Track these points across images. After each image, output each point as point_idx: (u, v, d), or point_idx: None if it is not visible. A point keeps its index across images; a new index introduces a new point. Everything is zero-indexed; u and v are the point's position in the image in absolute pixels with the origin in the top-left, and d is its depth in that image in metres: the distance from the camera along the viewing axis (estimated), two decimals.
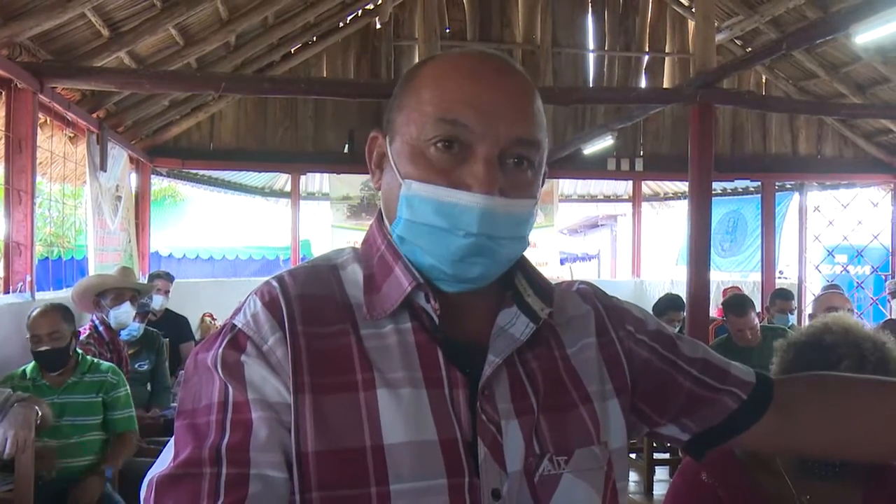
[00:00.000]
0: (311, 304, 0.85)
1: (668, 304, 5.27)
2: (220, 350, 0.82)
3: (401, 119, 0.87)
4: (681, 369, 0.97)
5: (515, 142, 0.83)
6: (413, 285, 0.85)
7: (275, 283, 0.87)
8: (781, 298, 5.59)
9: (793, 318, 5.63)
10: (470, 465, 0.81)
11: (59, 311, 3.48)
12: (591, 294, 1.00)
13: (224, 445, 0.77)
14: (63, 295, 4.56)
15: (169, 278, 6.16)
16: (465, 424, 0.82)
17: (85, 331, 4.11)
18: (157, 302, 5.53)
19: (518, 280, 0.91)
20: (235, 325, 0.84)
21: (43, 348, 3.35)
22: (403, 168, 0.85)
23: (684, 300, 5.52)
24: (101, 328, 4.20)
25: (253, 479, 0.76)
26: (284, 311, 0.84)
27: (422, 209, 0.83)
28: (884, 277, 9.16)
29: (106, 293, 4.26)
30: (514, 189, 0.84)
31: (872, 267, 9.67)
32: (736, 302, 4.68)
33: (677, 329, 5.49)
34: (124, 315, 4.27)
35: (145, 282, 5.68)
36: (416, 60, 7.93)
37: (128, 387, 3.58)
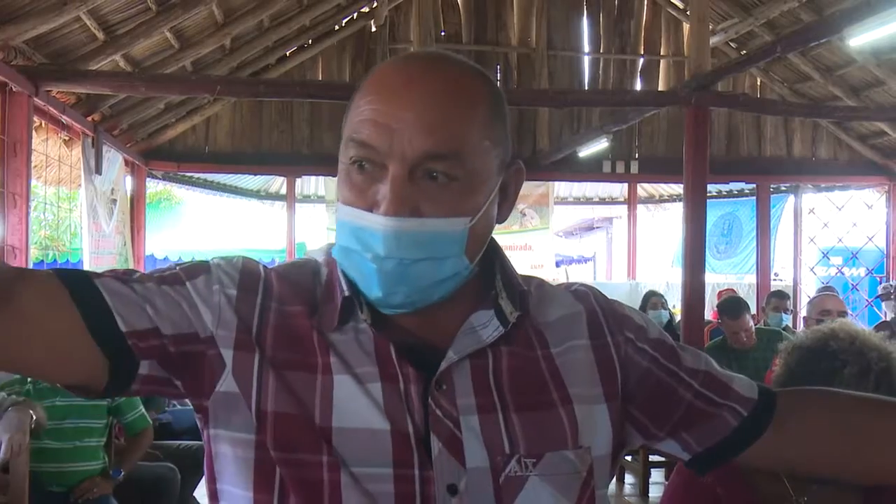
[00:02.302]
0: (287, 286, 0.87)
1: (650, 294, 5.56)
2: (186, 265, 0.87)
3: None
4: (682, 381, 0.94)
5: (423, 157, 0.79)
6: (342, 299, 0.85)
7: (262, 264, 0.90)
8: (777, 298, 5.64)
9: (787, 319, 5.65)
10: (422, 458, 0.80)
11: None
12: (587, 295, 0.97)
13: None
14: None
15: None
16: (417, 419, 0.81)
17: None
18: None
19: (497, 281, 0.90)
20: (208, 263, 0.87)
21: None
22: (339, 190, 0.84)
23: (679, 302, 5.54)
24: None
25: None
26: (262, 285, 0.86)
27: (343, 232, 0.83)
28: (878, 279, 9.18)
29: None
30: (432, 206, 0.79)
31: (867, 269, 9.69)
32: (730, 305, 4.69)
33: (665, 321, 5.58)
34: None
35: None
36: None
37: None
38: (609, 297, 1.00)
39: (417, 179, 0.79)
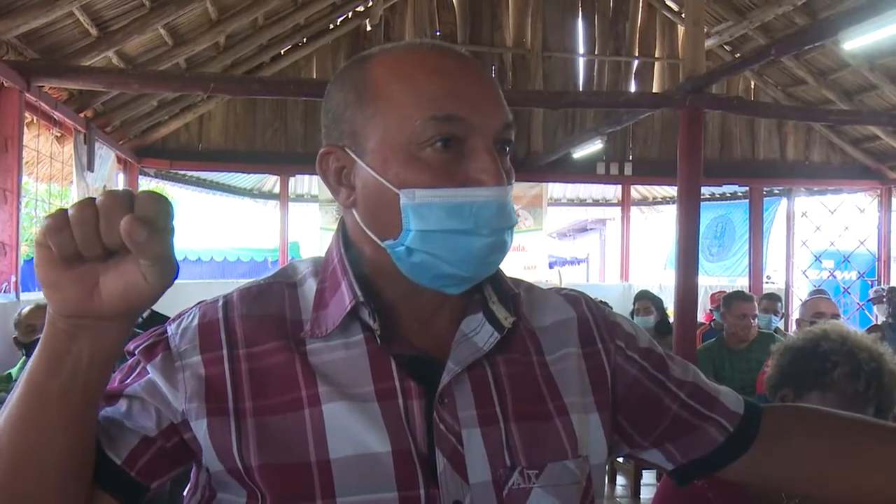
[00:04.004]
0: (252, 324, 0.83)
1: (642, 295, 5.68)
2: (143, 345, 0.83)
3: (373, 126, 0.81)
4: (669, 391, 0.93)
5: (503, 128, 0.81)
6: (352, 303, 0.82)
7: (220, 305, 0.85)
8: (767, 299, 5.68)
9: (778, 321, 5.66)
10: (426, 477, 0.78)
11: None
12: (579, 300, 0.96)
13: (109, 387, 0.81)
14: None
15: None
16: (419, 435, 0.79)
17: None
18: None
19: (484, 284, 0.87)
20: (166, 333, 0.84)
21: (39, 336, 3.32)
22: (396, 177, 0.79)
23: (673, 304, 5.55)
24: None
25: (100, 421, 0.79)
26: (223, 335, 0.82)
27: (435, 216, 0.78)
28: (870, 283, 9.22)
29: None
30: (509, 176, 0.81)
31: (859, 272, 9.73)
32: (739, 291, 4.97)
33: (653, 324, 5.59)
34: None
35: None
36: None
37: None
38: (603, 298, 0.99)
39: (496, 150, 0.81)
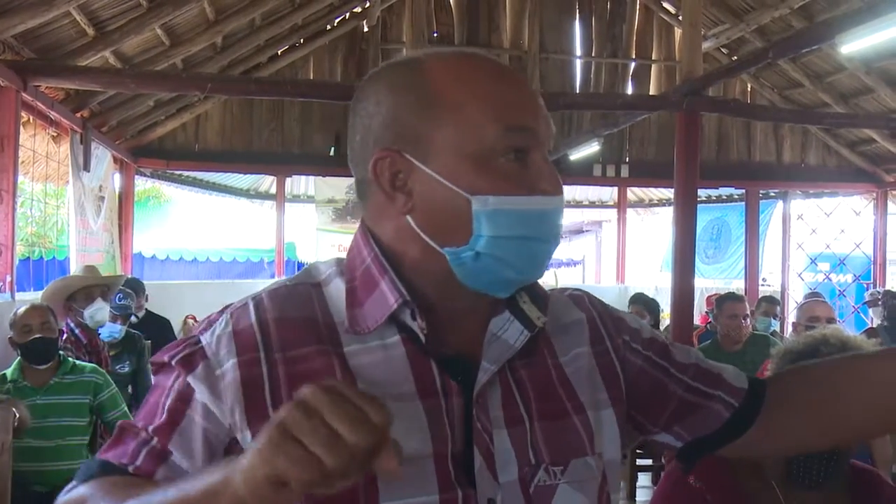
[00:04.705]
0: (288, 328, 0.83)
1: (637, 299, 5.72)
2: (180, 356, 0.83)
3: (441, 133, 0.81)
4: (673, 377, 0.96)
5: (551, 138, 0.86)
6: (399, 302, 0.82)
7: (251, 307, 0.85)
8: (767, 302, 5.69)
9: (776, 324, 5.67)
10: (461, 478, 0.79)
11: (48, 308, 3.50)
12: (584, 300, 0.98)
13: (155, 426, 0.82)
14: None
15: (138, 291, 5.55)
16: (458, 435, 0.81)
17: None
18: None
19: None
20: (200, 342, 0.83)
21: (35, 336, 3.32)
22: (468, 184, 0.80)
23: (668, 306, 5.55)
24: (77, 331, 4.10)
25: (165, 465, 0.80)
26: (260, 339, 0.82)
27: (508, 222, 0.80)
28: (865, 286, 9.22)
29: (75, 295, 4.17)
30: None
31: (854, 275, 9.74)
32: (731, 293, 5.03)
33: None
34: (99, 312, 4.19)
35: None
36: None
37: (114, 385, 3.55)
38: (604, 303, 1.01)
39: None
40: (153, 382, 0.87)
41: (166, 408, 0.82)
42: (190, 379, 0.81)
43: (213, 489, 0.67)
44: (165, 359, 0.84)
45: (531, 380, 0.87)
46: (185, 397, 0.82)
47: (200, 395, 0.81)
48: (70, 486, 0.84)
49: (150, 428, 0.82)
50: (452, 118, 0.81)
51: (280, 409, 0.65)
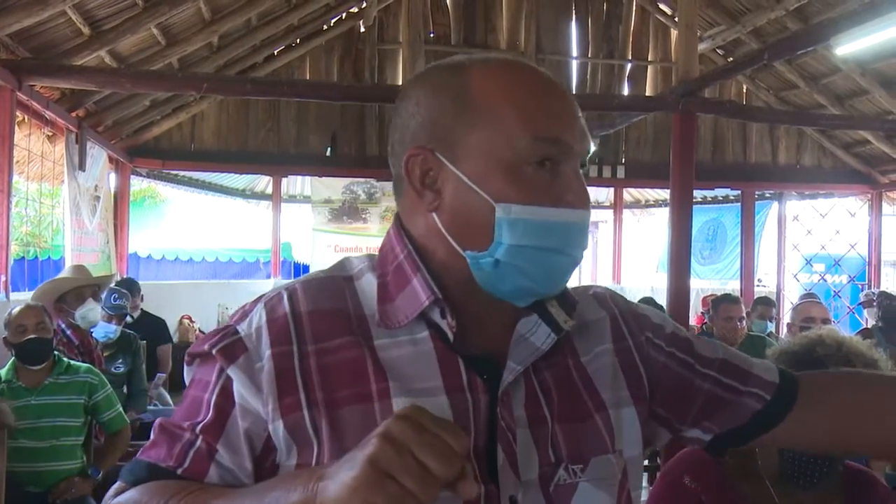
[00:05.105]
0: (321, 320, 0.85)
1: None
2: (220, 345, 0.84)
3: (473, 137, 0.82)
4: (698, 372, 0.96)
5: (586, 153, 0.87)
6: (430, 300, 0.83)
7: (285, 298, 0.86)
8: (763, 304, 5.65)
9: (771, 326, 5.67)
10: (484, 474, 0.80)
11: (43, 309, 3.48)
12: (607, 298, 0.98)
13: (202, 424, 0.82)
14: None
15: (134, 291, 5.64)
16: (481, 431, 0.81)
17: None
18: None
19: None
20: (238, 332, 0.85)
21: (30, 336, 3.30)
22: (494, 190, 0.81)
23: (664, 307, 5.55)
24: (68, 332, 4.07)
25: (214, 465, 0.81)
26: (293, 331, 0.84)
27: (530, 232, 0.81)
28: (860, 287, 9.25)
29: (65, 296, 4.14)
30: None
31: (849, 276, 9.76)
32: (727, 294, 4.98)
33: None
34: (91, 312, 4.16)
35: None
36: (400, 65, 7.93)
37: (109, 385, 3.54)
38: (627, 300, 1.01)
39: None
40: (192, 376, 0.88)
41: (212, 404, 0.83)
42: (231, 371, 0.83)
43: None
44: (205, 348, 0.85)
45: (554, 381, 0.87)
46: (227, 391, 0.83)
47: (240, 386, 0.82)
48: (116, 487, 0.85)
49: (197, 426, 0.83)
50: (486, 123, 0.82)
51: (365, 440, 0.68)
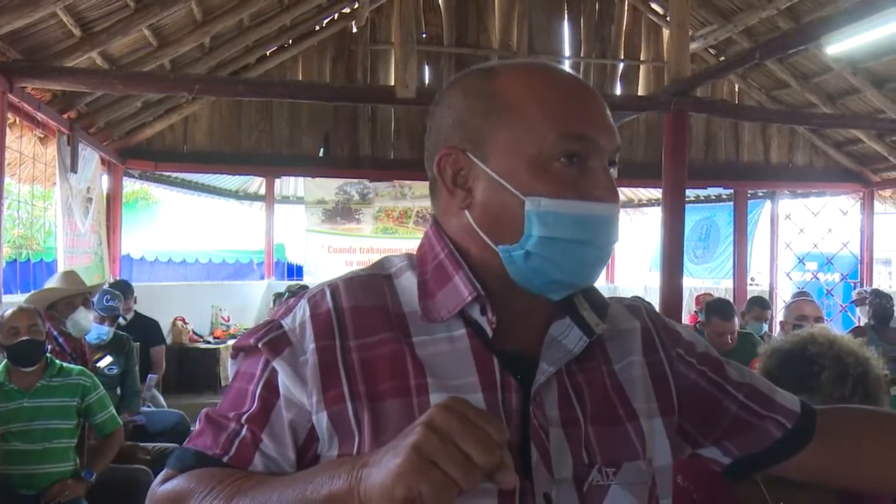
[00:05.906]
0: (362, 316, 0.87)
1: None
2: (266, 339, 0.87)
3: (505, 137, 0.85)
4: (728, 393, 0.98)
5: (615, 150, 0.88)
6: (472, 296, 0.85)
7: (328, 295, 0.89)
8: (759, 307, 5.58)
9: (765, 327, 5.67)
10: (517, 470, 0.80)
11: (36, 311, 3.48)
12: (641, 310, 1.01)
13: (248, 414, 0.85)
14: None
15: (127, 293, 5.61)
16: (513, 429, 0.83)
17: None
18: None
19: (575, 292, 0.91)
20: (283, 327, 0.88)
21: (22, 338, 3.29)
22: (523, 185, 0.84)
23: (658, 306, 5.56)
24: (60, 340, 4.06)
25: (259, 454, 0.84)
26: (336, 326, 0.86)
27: (559, 224, 0.83)
28: (853, 285, 9.29)
29: (56, 304, 4.12)
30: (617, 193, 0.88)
31: (842, 275, 9.80)
32: (721, 306, 4.59)
33: None
34: (82, 320, 4.15)
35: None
36: (393, 65, 7.92)
37: (101, 387, 3.54)
38: (660, 314, 1.04)
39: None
40: (236, 368, 0.91)
41: (257, 395, 0.86)
42: (276, 363, 0.85)
43: (338, 497, 0.71)
44: (251, 341, 0.88)
45: (587, 384, 0.89)
46: (272, 383, 0.86)
47: (285, 378, 0.85)
48: (164, 473, 0.87)
49: (242, 416, 0.86)
50: (514, 122, 0.85)
51: (408, 429, 0.70)
